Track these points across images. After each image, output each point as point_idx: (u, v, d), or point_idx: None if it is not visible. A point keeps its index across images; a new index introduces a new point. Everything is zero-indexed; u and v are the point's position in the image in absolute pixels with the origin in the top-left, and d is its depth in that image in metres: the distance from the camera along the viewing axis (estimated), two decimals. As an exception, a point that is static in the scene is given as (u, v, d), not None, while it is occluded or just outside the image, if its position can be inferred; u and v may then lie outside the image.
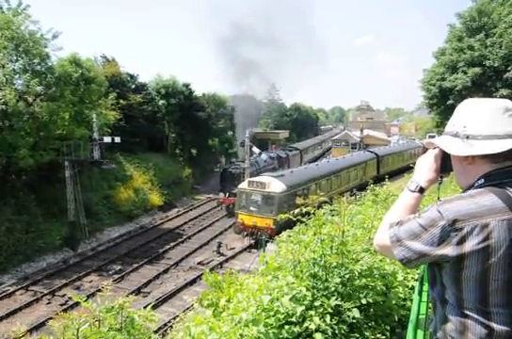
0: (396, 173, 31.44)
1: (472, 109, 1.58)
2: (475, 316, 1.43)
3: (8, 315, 15.32)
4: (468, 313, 1.44)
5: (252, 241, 21.75)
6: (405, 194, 1.73)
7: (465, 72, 25.95)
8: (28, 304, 16.24)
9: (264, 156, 34.15)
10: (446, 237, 1.41)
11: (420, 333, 1.83)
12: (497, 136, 1.49)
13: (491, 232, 1.38)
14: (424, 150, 1.85)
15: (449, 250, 1.41)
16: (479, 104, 1.58)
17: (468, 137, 1.52)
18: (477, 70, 25.31)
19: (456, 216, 1.41)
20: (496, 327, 1.41)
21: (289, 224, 4.30)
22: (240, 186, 22.94)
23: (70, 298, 15.81)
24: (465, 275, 1.42)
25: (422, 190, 1.72)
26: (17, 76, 21.33)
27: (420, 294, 2.07)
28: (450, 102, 26.44)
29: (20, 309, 15.87)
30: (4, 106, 19.28)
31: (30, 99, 21.57)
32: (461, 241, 1.40)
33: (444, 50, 28.43)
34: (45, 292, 17.13)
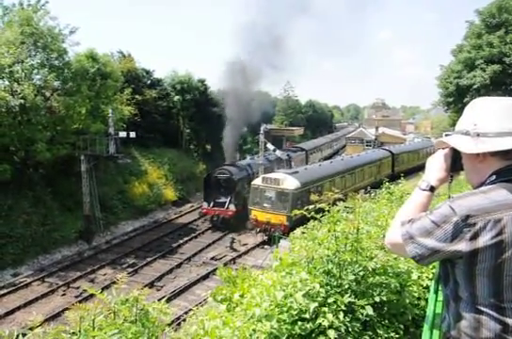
0: (412, 172, 31.12)
1: (481, 108, 1.61)
2: (490, 312, 1.43)
3: (25, 305, 15.67)
4: (482, 309, 1.44)
5: (265, 237, 21.78)
6: (416, 193, 1.76)
7: (483, 70, 25.47)
8: (44, 295, 16.59)
9: (259, 158, 30.00)
10: (459, 233, 1.42)
11: (436, 333, 1.82)
12: (507, 132, 1.51)
13: (504, 226, 1.39)
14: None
15: (462, 246, 1.42)
16: (488, 103, 1.61)
17: (479, 135, 1.54)
18: (496, 67, 24.81)
19: (468, 211, 1.42)
20: (511, 322, 1.40)
21: (302, 221, 4.30)
22: (254, 182, 22.95)
23: (84, 290, 16.06)
24: (479, 270, 1.43)
25: (432, 189, 1.75)
26: (35, 71, 21.65)
27: (436, 292, 2.05)
28: (467, 100, 25.98)
29: (36, 299, 16.23)
30: (22, 101, 19.62)
31: (48, 93, 21.91)
32: (474, 236, 1.40)
33: (462, 47, 27.93)
34: (60, 284, 17.47)
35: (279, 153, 33.34)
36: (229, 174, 24.95)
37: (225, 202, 24.60)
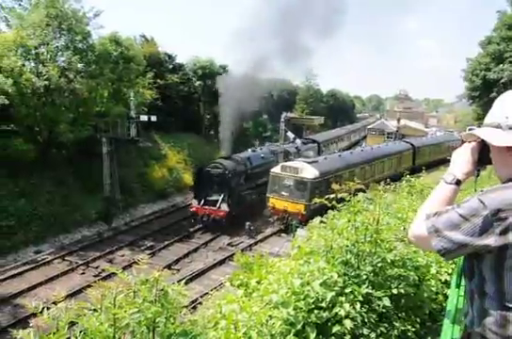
0: (433, 165, 30.59)
1: None
2: None
3: (46, 282, 16.15)
4: (510, 305, 1.41)
5: (282, 226, 21.81)
6: (441, 186, 1.73)
7: (512, 63, 24.67)
8: (64, 273, 17.05)
9: (262, 151, 26.91)
10: (489, 227, 1.39)
11: (457, 328, 1.80)
12: None
13: None
14: (462, 143, 1.83)
15: (491, 241, 1.39)
16: None
17: (511, 128, 1.52)
18: (527, 60, 24.00)
19: (499, 205, 1.38)
20: None
21: (320, 211, 4.28)
22: (273, 170, 22.88)
23: (103, 269, 16.47)
24: (507, 266, 1.39)
25: (458, 183, 1.71)
26: (60, 53, 21.88)
27: (458, 287, 2.02)
28: (493, 94, 25.26)
29: (57, 276, 16.70)
30: (47, 82, 19.93)
31: (71, 76, 22.11)
32: (505, 231, 1.37)
33: (491, 38, 27.00)
34: (80, 262, 17.91)
35: (298, 141, 32.82)
36: (222, 169, 21.96)
37: (217, 201, 21.85)
